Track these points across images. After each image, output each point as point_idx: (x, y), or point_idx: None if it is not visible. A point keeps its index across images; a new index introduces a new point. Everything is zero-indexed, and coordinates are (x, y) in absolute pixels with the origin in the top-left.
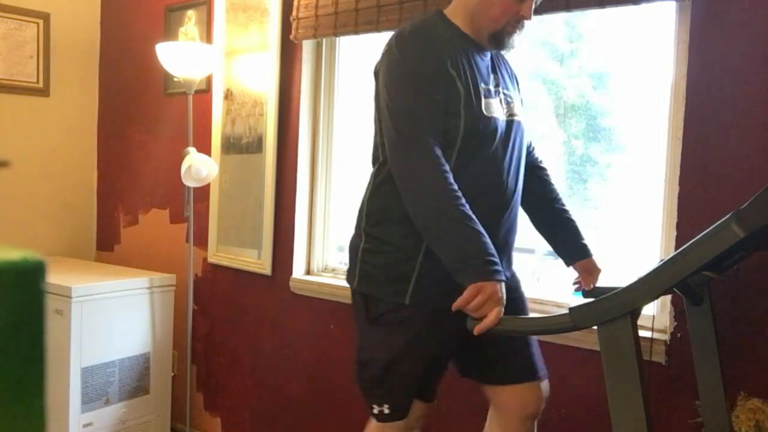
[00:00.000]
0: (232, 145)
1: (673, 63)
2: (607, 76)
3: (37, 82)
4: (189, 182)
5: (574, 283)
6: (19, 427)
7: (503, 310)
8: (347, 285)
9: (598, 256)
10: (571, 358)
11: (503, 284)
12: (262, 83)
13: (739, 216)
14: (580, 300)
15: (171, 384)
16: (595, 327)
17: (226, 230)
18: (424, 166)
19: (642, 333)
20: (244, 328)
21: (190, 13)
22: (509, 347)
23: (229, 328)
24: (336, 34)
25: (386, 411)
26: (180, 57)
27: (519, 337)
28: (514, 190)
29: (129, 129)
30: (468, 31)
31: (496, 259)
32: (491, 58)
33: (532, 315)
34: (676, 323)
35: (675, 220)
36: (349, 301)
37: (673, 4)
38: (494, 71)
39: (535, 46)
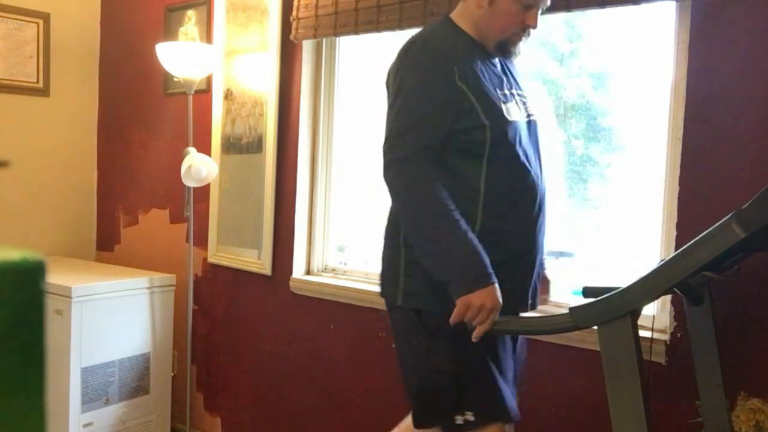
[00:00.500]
0: (232, 145)
1: (673, 63)
2: (607, 76)
3: (37, 82)
4: (189, 182)
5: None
6: (19, 427)
7: (497, 315)
8: (347, 285)
9: (549, 269)
10: (571, 358)
11: (494, 286)
12: (262, 83)
13: (740, 216)
14: (580, 300)
15: (171, 384)
16: (595, 327)
17: (226, 230)
18: (420, 186)
19: (642, 333)
20: (244, 328)
21: (190, 13)
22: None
23: (229, 328)
24: (336, 34)
25: (471, 418)
26: (180, 57)
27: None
28: (545, 192)
29: (129, 129)
30: (475, 37)
31: (482, 264)
32: (500, 61)
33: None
34: (676, 323)
35: (675, 220)
36: (348, 301)
37: (673, 4)
38: (505, 74)
39: (535, 46)
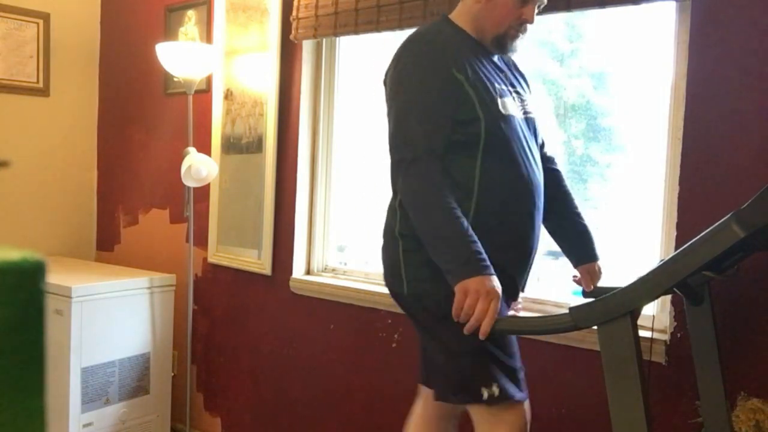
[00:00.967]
0: (232, 145)
1: (673, 63)
2: (607, 76)
3: (37, 82)
4: (189, 182)
5: (574, 280)
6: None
7: (498, 303)
8: (347, 285)
9: (603, 260)
10: (571, 358)
11: (492, 277)
12: (262, 83)
13: (739, 216)
14: (580, 300)
15: (171, 384)
16: (595, 327)
17: (226, 230)
18: (422, 181)
19: (642, 333)
20: (244, 328)
21: (190, 13)
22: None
23: (229, 328)
24: (336, 34)
25: (496, 392)
26: (180, 57)
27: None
28: (541, 188)
29: (129, 129)
30: (473, 35)
31: (481, 255)
32: (499, 58)
33: (531, 315)
34: (676, 323)
35: (675, 220)
36: (348, 301)
37: (673, 4)
38: (502, 71)
39: (535, 46)
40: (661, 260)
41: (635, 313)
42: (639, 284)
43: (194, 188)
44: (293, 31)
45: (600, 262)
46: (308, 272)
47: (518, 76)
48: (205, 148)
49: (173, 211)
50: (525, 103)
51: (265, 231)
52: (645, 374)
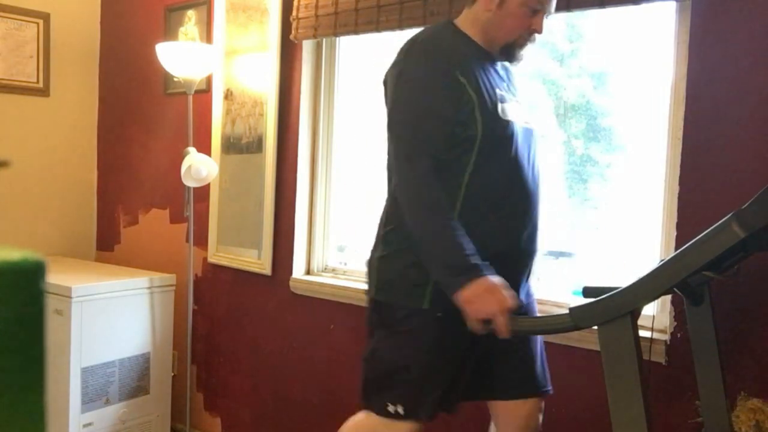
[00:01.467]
0: (232, 145)
1: (673, 63)
2: (607, 76)
3: (37, 82)
4: (189, 182)
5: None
6: (19, 427)
7: (504, 295)
8: (347, 285)
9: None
10: (571, 358)
11: (483, 278)
12: (262, 83)
13: (740, 216)
14: (580, 300)
15: (171, 384)
16: (595, 327)
17: (226, 230)
18: (419, 183)
19: (642, 333)
20: (244, 328)
21: (190, 13)
22: (516, 361)
23: (229, 328)
24: (336, 34)
25: (401, 411)
26: (180, 57)
27: (526, 350)
28: (536, 196)
29: (129, 129)
30: (479, 42)
31: (473, 257)
32: (502, 66)
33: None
34: (676, 323)
35: (675, 220)
36: (348, 301)
37: (673, 4)
38: (503, 80)
39: (535, 46)
40: (661, 260)
41: (635, 313)
42: (639, 284)
43: (194, 188)
44: (293, 31)
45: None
46: (308, 272)
47: (518, 87)
48: (205, 148)
49: (173, 211)
50: (525, 113)
51: (265, 231)
52: (645, 374)
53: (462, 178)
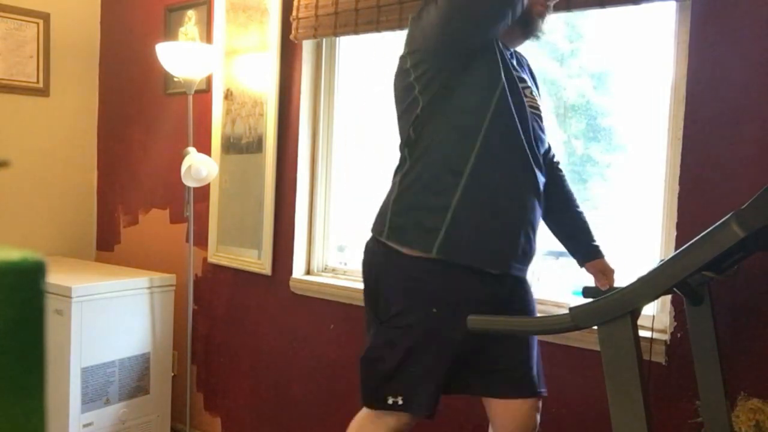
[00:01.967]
0: (232, 145)
1: (673, 63)
2: (607, 76)
3: (37, 82)
4: (189, 182)
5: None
6: (19, 427)
7: None
8: (347, 285)
9: (609, 256)
10: (571, 358)
11: None
12: (262, 83)
13: (739, 216)
14: (580, 300)
15: (171, 384)
16: (595, 327)
17: (226, 230)
18: None
19: (642, 333)
20: (244, 328)
21: (190, 13)
22: (512, 360)
23: (229, 328)
24: (336, 34)
25: (400, 402)
26: (180, 57)
27: (522, 351)
28: (542, 178)
29: (129, 129)
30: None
31: None
32: (513, 55)
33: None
34: (676, 323)
35: (675, 220)
36: (348, 301)
37: (673, 4)
38: (516, 68)
39: (535, 46)
40: (661, 260)
41: (635, 313)
42: (639, 284)
43: (194, 188)
44: (293, 31)
45: (607, 259)
46: (308, 272)
47: (531, 75)
48: (205, 148)
49: (173, 211)
50: (536, 100)
51: (265, 231)
52: (645, 374)
53: (478, 134)
